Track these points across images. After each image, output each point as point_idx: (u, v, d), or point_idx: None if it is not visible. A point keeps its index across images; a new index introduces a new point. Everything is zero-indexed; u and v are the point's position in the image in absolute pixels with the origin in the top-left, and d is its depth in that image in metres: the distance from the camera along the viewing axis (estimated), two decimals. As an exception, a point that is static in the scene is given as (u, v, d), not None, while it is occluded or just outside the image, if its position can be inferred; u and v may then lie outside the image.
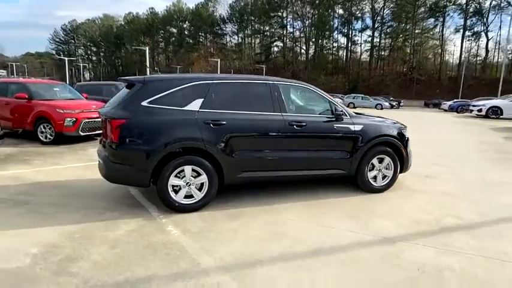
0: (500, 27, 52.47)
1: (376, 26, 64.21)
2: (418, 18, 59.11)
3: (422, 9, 58.29)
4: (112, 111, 3.60)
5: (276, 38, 75.74)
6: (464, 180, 5.46)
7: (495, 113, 17.12)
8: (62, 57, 59.61)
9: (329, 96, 4.47)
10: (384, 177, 4.59)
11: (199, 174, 3.71)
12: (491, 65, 54.88)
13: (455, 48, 62.66)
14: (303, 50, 72.51)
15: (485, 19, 53.40)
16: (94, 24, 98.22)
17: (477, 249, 3.00)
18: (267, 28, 75.44)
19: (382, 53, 65.44)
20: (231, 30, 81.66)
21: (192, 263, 2.69)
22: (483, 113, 17.55)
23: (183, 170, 3.65)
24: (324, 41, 69.80)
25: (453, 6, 55.44)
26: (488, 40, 54.97)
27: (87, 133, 7.75)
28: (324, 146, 4.25)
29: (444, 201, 4.32)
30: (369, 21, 65.01)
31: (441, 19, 56.85)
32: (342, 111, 4.32)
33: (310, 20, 69.24)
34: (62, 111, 7.37)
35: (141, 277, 2.47)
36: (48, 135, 7.53)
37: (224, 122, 3.74)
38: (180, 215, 3.63)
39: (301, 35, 71.44)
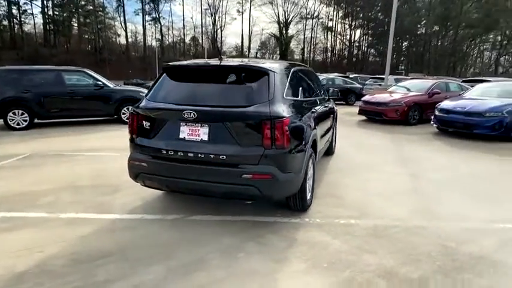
0: (171, 14, 63.54)
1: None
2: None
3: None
4: (272, 109, 2.79)
5: None
6: (367, 136, 8.20)
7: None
8: None
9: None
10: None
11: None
12: (169, 47, 65.45)
13: (137, 29, 68.06)
14: None
15: (157, 7, 62.04)
16: None
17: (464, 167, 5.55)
18: None
19: (60, 28, 59.63)
20: None
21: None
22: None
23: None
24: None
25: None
26: (161, 26, 64.57)
27: None
28: (331, 122, 5.25)
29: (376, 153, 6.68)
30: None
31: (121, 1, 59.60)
32: (332, 90, 5.43)
33: None
34: None
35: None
36: None
37: (315, 109, 3.91)
38: (307, 213, 3.58)
39: None
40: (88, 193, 4.05)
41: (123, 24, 61.22)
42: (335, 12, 62.12)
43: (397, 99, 9.91)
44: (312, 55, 64.40)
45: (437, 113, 8.51)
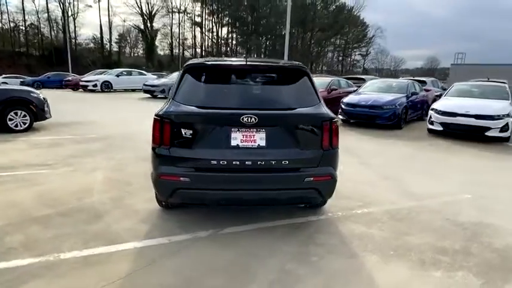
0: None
1: None
2: None
3: None
4: (326, 110, 2.86)
5: None
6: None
7: (107, 87, 19.80)
8: None
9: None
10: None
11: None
12: (3, 36, 53.58)
13: None
14: None
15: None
16: None
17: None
18: None
19: None
20: None
21: None
22: (98, 88, 19.52)
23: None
24: None
25: None
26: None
27: None
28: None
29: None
30: None
31: None
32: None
33: None
34: None
35: None
36: None
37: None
38: (325, 208, 3.80)
39: None
40: (65, 224, 3.23)
41: None
42: (202, 9, 62.75)
43: (306, 95, 10.98)
44: (180, 51, 63.40)
45: (344, 106, 9.87)
